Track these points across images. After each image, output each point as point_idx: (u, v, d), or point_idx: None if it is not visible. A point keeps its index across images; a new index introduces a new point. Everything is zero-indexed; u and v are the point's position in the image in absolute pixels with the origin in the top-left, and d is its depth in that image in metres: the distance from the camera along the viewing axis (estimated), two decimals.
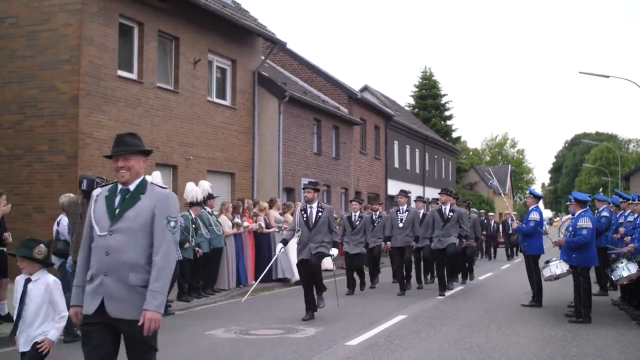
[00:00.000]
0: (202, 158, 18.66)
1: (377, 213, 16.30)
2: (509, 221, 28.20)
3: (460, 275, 17.10)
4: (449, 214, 14.22)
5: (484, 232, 27.46)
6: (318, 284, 10.87)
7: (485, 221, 28.66)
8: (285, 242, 11.18)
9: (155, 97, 16.91)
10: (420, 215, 15.52)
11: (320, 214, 10.86)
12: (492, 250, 30.04)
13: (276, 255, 12.13)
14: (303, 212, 10.99)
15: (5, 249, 9.71)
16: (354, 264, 15.00)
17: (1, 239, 9.60)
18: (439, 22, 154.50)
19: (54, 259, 9.47)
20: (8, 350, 8.14)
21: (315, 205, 10.97)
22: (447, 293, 14.44)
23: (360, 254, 15.15)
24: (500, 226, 31.46)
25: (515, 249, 29.50)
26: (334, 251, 10.87)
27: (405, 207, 15.08)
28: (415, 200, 16.84)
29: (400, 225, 14.79)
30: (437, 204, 16.21)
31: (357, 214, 15.29)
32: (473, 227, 18.54)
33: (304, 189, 15.18)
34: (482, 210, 25.88)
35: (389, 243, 14.98)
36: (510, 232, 28.20)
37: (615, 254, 11.43)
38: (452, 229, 14.16)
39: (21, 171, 14.83)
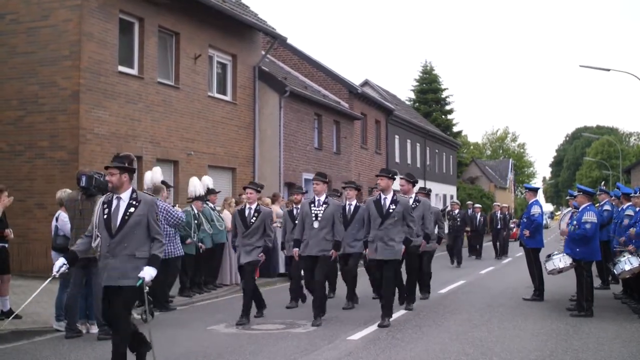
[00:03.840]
0: (203, 153, 18.66)
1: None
2: (497, 214, 27.14)
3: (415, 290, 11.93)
4: (389, 207, 9.87)
5: (468, 228, 24.81)
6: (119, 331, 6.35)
7: (471, 213, 25.26)
8: (73, 255, 6.57)
9: (156, 93, 16.91)
10: (352, 208, 11.81)
11: (132, 209, 6.41)
12: (478, 247, 25.78)
13: (52, 275, 6.63)
14: (105, 207, 6.49)
15: (7, 245, 9.71)
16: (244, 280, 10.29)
17: (3, 236, 9.59)
18: (439, 16, 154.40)
19: (54, 255, 9.48)
20: (9, 347, 8.17)
21: (126, 195, 6.48)
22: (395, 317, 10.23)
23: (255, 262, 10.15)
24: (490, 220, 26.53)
25: (503, 246, 26.09)
26: (148, 273, 6.28)
27: (322, 199, 10.26)
28: (344, 187, 12.64)
29: (315, 224, 10.13)
30: (377, 190, 10.76)
31: (254, 207, 10.25)
32: (436, 222, 12.78)
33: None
34: (454, 202, 24.46)
35: (296, 249, 10.35)
36: (500, 227, 25.71)
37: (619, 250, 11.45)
38: (395, 228, 9.78)
39: (22, 167, 14.85)
